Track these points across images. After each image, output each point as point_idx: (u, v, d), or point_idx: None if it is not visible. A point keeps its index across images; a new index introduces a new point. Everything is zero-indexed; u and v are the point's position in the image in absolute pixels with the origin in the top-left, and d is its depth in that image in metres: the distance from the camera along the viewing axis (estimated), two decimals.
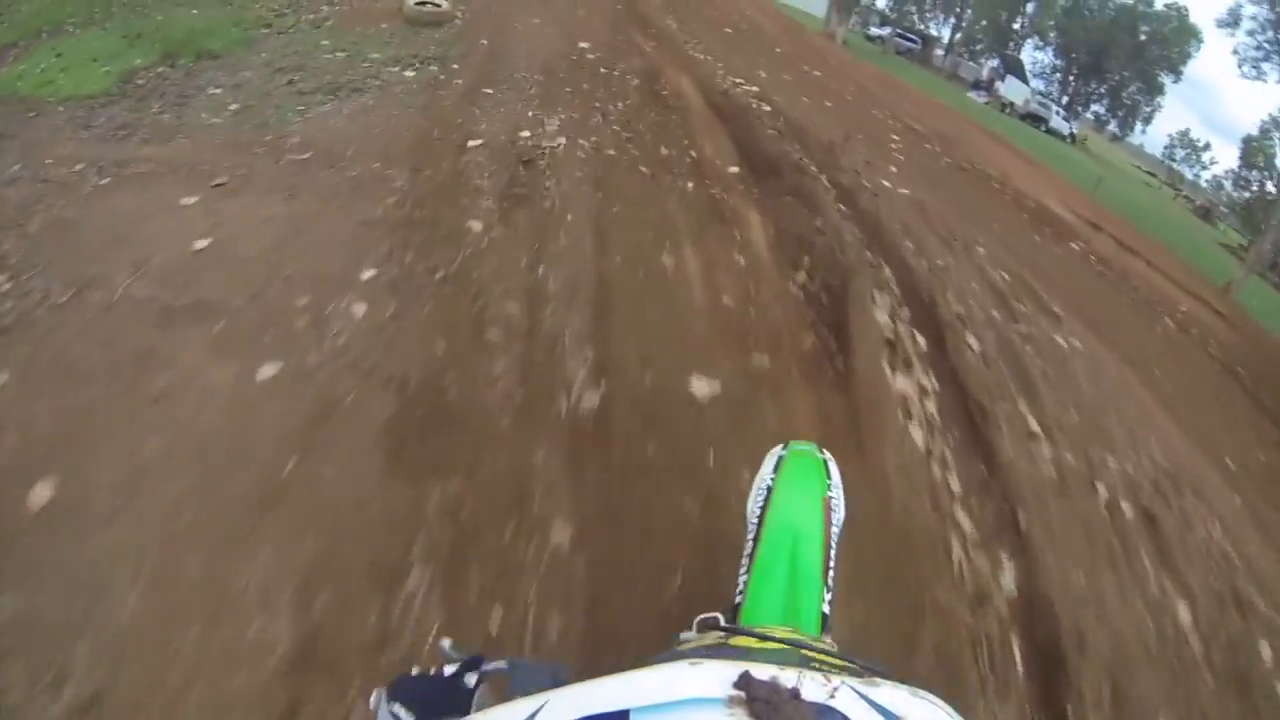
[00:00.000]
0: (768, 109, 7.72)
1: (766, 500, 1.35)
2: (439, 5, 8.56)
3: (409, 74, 6.64)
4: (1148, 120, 49.97)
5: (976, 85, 39.01)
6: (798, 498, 1.35)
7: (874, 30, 40.90)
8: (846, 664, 0.71)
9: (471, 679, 0.72)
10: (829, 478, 1.41)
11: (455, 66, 6.91)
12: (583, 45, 8.31)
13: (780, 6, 25.59)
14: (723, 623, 1.01)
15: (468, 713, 0.69)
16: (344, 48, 7.28)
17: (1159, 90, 47.84)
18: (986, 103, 35.52)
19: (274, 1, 8.89)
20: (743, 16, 13.15)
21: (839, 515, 1.36)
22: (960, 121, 14.80)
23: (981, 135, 14.47)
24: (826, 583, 1.25)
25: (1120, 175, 33.28)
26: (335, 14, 8.51)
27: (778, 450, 1.51)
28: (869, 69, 15.75)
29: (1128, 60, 46.06)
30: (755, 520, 1.35)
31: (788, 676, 0.53)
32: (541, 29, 8.66)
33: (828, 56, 14.39)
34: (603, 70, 7.60)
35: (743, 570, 1.31)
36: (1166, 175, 50.70)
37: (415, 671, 0.74)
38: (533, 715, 0.53)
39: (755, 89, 8.40)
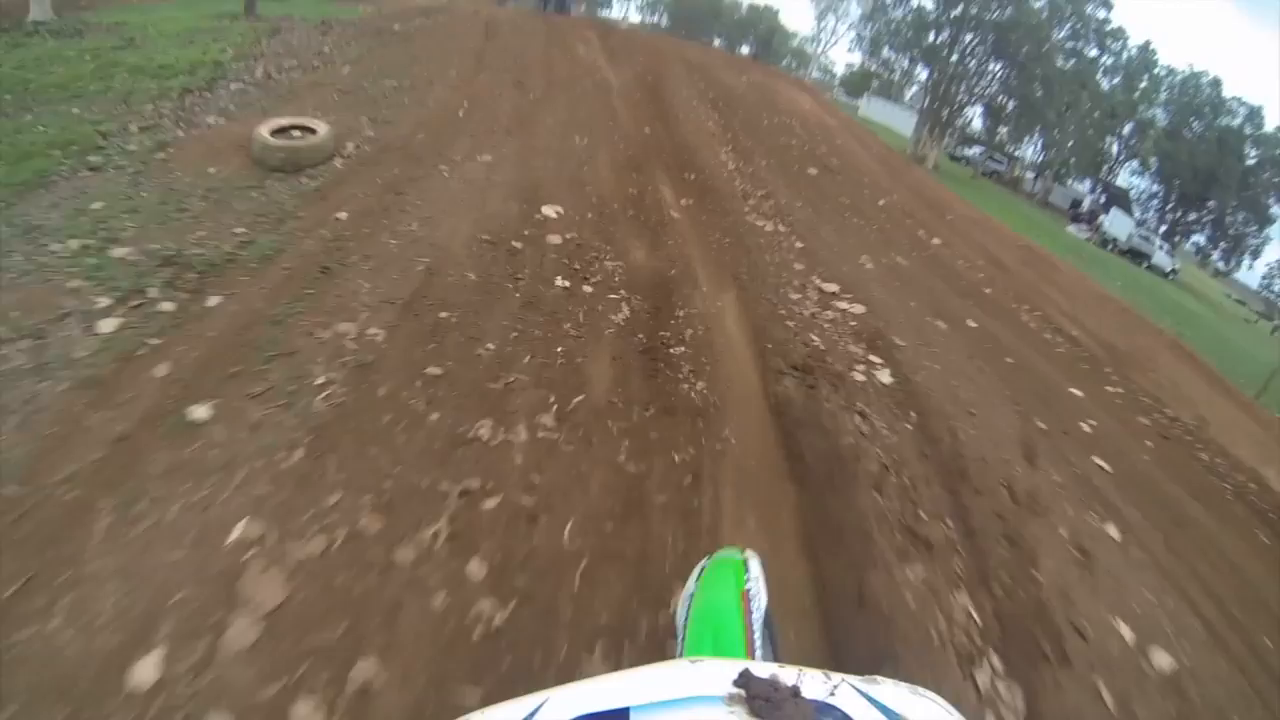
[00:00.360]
0: (885, 379, 3.76)
1: (689, 607, 1.37)
2: (312, 130, 4.94)
3: (46, 380, 2.79)
4: (1256, 254, 44.41)
5: (1077, 219, 34.84)
6: (715, 596, 1.37)
7: (960, 150, 37.40)
8: None
9: None
10: (747, 573, 1.40)
11: (166, 336, 3.05)
12: (548, 212, 4.52)
13: (862, 121, 22.11)
14: None
15: None
16: (95, 232, 3.64)
17: (1268, 220, 42.46)
18: (1089, 238, 31.40)
19: (143, 112, 5.54)
20: (832, 146, 9.32)
21: (759, 602, 1.32)
22: (1117, 312, 10.60)
23: (1144, 333, 10.24)
24: (755, 659, 1.16)
25: (1219, 312, 28.61)
26: (183, 141, 5.03)
27: (702, 562, 1.53)
28: (991, 221, 11.69)
29: (1235, 187, 41.17)
30: (680, 626, 1.36)
31: (788, 674, 0.51)
32: (488, 176, 4.92)
33: (941, 205, 10.43)
34: (555, 289, 3.75)
35: None
36: (1264, 307, 44.95)
37: None
38: (533, 713, 0.52)
39: (859, 307, 4.51)
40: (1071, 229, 32.10)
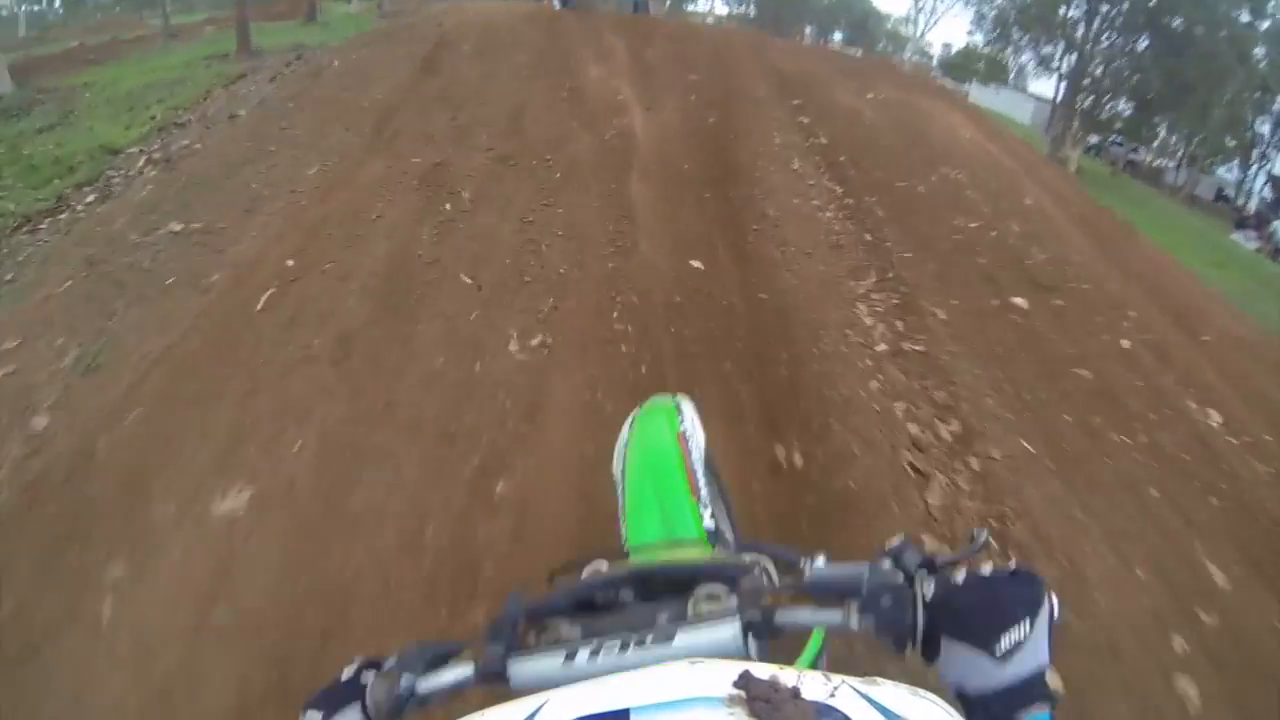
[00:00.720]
0: None
1: (624, 457, 1.33)
2: None
3: None
4: None
5: (1242, 224, 29.17)
6: (651, 442, 1.31)
7: (1091, 140, 32.39)
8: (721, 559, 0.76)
9: (369, 675, 0.68)
10: (680, 415, 1.34)
11: None
12: None
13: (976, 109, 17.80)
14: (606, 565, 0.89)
15: (362, 700, 0.66)
16: None
17: None
18: (1259, 248, 26.02)
19: None
20: (1027, 222, 5.39)
21: (696, 443, 1.28)
22: None
23: None
24: (699, 501, 1.19)
25: None
26: None
27: (633, 412, 1.45)
28: (1258, 338, 7.18)
29: None
30: (619, 476, 1.32)
31: (788, 675, 0.51)
32: (204, 606, 1.48)
33: (1187, 313, 6.11)
34: None
35: (620, 523, 1.25)
36: None
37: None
38: (532, 715, 0.51)
39: None
40: (1237, 236, 26.59)
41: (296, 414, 2.10)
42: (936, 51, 50.30)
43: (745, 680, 0.49)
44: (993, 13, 25.84)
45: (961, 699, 0.58)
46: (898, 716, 0.51)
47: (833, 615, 0.59)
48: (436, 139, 3.90)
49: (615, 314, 2.70)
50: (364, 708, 0.64)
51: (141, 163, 4.87)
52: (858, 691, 0.52)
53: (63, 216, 4.17)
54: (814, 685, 0.51)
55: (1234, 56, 28.44)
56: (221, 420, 2.09)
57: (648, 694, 0.50)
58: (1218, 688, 2.20)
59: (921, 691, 0.56)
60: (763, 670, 0.51)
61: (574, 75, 5.15)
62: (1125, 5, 25.09)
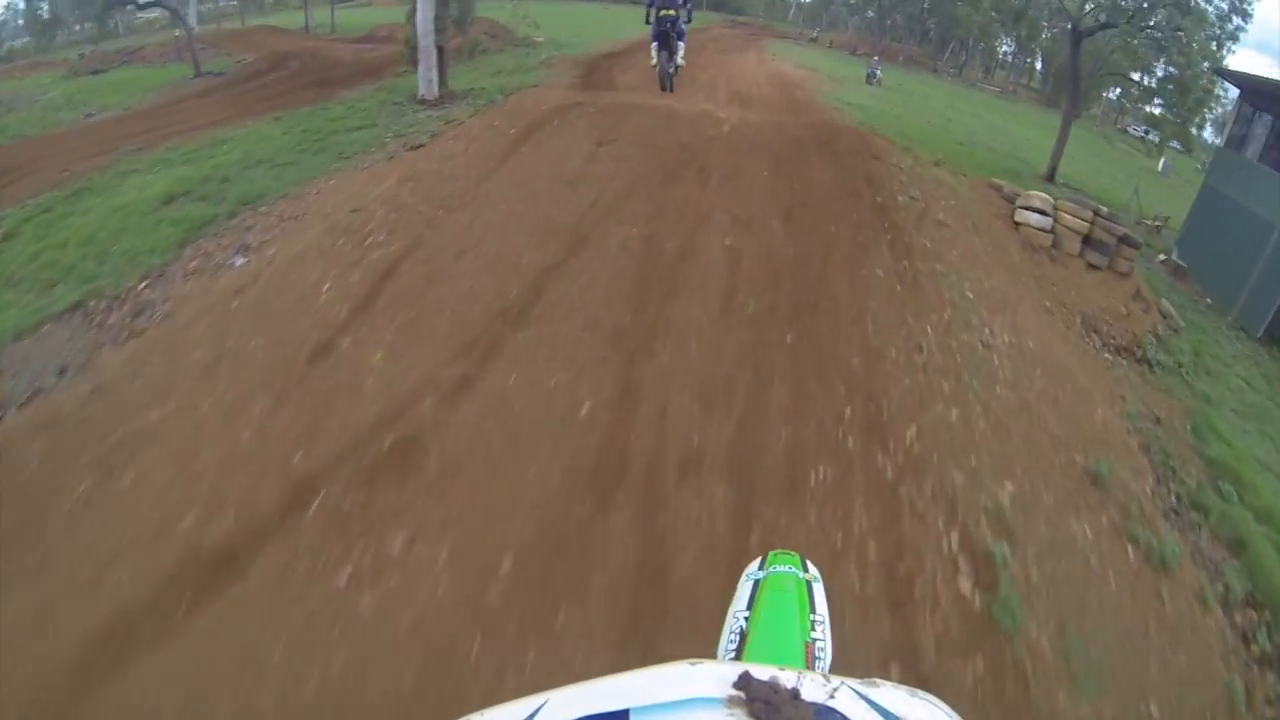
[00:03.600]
0: None
1: (740, 647, 1.02)
2: None
3: None
4: None
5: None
6: (774, 647, 1.01)
7: None
8: None
9: None
10: (813, 611, 1.07)
11: None
12: None
13: None
14: None
15: None
16: None
17: None
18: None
19: None
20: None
21: (825, 660, 1.01)
22: None
23: None
24: None
25: None
26: None
27: (753, 572, 1.15)
28: None
29: None
30: (742, 620, 1.06)
31: (787, 676, 0.51)
32: None
33: None
34: None
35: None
36: None
37: None
38: (533, 714, 0.52)
39: None
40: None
41: None
42: None
43: (745, 681, 0.49)
44: None
45: None
46: (896, 717, 0.51)
47: None
48: None
49: None
50: None
51: None
52: (857, 692, 0.52)
53: None
54: (813, 686, 0.51)
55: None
56: None
57: (648, 694, 0.50)
58: None
59: (920, 693, 0.57)
60: (762, 671, 0.50)
61: None
62: None
